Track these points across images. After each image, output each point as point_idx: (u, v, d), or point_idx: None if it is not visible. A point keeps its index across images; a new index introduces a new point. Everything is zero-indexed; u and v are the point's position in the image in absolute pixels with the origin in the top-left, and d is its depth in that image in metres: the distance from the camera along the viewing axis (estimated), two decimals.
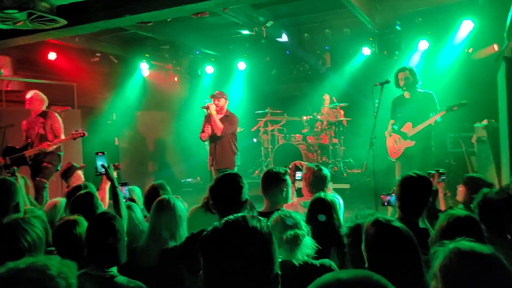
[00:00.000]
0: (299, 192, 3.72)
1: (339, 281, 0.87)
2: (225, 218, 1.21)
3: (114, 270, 2.16)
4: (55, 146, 5.71)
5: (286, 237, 2.33)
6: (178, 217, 2.67)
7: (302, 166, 3.78)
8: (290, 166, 3.84)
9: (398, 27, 7.43)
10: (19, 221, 1.84)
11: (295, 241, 2.34)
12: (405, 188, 2.73)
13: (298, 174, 3.71)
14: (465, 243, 1.44)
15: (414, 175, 2.77)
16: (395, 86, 5.26)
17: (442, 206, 3.17)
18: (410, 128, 5.17)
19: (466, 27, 7.22)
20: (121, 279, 2.12)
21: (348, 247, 2.32)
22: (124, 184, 3.50)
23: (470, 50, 7.67)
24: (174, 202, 2.73)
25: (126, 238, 2.31)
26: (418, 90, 5.26)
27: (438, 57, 7.86)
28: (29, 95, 5.87)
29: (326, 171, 3.61)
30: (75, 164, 4.69)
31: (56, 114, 5.95)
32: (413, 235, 1.86)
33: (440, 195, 3.24)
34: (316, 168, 3.56)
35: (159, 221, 2.65)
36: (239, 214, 1.23)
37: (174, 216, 2.65)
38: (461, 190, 3.32)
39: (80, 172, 4.62)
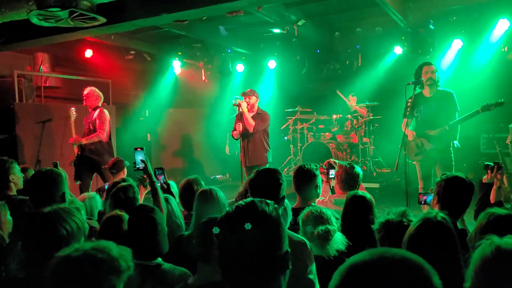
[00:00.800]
0: (333, 190, 3.75)
1: (366, 260, 0.85)
2: (236, 203, 1.32)
3: (159, 259, 2.23)
4: (82, 142, 5.84)
5: (318, 232, 2.38)
6: (222, 205, 2.76)
7: (335, 164, 3.81)
8: (324, 164, 3.87)
9: (431, 26, 7.32)
10: (58, 211, 1.89)
11: (326, 236, 2.38)
12: (448, 188, 2.70)
13: (332, 172, 3.74)
14: (508, 240, 1.45)
15: (459, 175, 2.76)
16: (415, 81, 4.92)
17: (492, 198, 3.13)
18: (431, 129, 4.99)
19: (501, 26, 7.05)
20: (167, 266, 2.19)
21: (378, 242, 2.35)
22: (160, 169, 3.57)
23: (506, 49, 7.48)
24: (217, 192, 2.81)
25: (166, 229, 2.39)
26: (438, 89, 5.05)
27: (473, 57, 7.70)
28: (86, 91, 6.08)
29: (358, 169, 3.62)
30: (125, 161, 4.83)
31: (104, 110, 6.04)
32: (454, 230, 1.87)
33: (493, 188, 3.17)
34: (348, 166, 3.58)
35: (204, 210, 2.73)
36: (249, 199, 1.34)
37: (218, 205, 2.74)
38: None
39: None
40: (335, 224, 2.49)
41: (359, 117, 8.52)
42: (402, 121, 5.16)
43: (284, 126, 9.38)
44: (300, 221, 2.54)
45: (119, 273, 1.45)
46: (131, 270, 1.51)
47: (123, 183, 3.19)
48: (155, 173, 3.42)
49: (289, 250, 1.30)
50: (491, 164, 3.29)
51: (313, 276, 2.13)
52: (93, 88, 6.17)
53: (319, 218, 2.46)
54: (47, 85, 8.43)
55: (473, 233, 2.09)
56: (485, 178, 3.30)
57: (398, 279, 0.80)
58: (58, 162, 4.08)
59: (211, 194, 2.79)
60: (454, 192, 2.68)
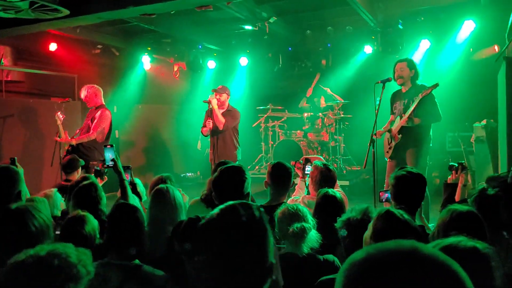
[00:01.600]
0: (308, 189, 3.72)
1: (373, 256, 0.72)
2: (220, 206, 1.24)
3: (137, 261, 2.17)
4: (72, 142, 5.72)
5: (293, 230, 2.35)
6: (179, 204, 2.69)
7: (310, 159, 3.79)
8: (301, 160, 3.84)
9: (400, 26, 7.45)
10: (27, 207, 1.86)
11: (301, 234, 2.35)
12: (398, 186, 2.75)
13: (308, 168, 3.71)
14: (454, 239, 1.45)
15: (406, 172, 2.78)
16: (382, 80, 4.93)
17: (457, 197, 3.17)
18: (398, 123, 5.04)
19: (467, 27, 7.23)
20: (146, 267, 2.13)
21: (341, 240, 2.34)
22: (126, 168, 3.49)
23: (471, 50, 7.69)
24: (173, 190, 2.74)
25: (146, 229, 2.32)
26: (416, 84, 5.08)
27: (440, 57, 7.88)
28: (82, 95, 5.95)
29: (334, 171, 3.60)
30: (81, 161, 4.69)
31: (106, 112, 5.93)
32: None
33: (459, 187, 3.22)
34: (323, 167, 3.55)
35: (160, 210, 2.66)
36: (234, 202, 1.25)
37: (174, 204, 2.67)
38: None
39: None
40: (311, 222, 2.46)
41: (329, 115, 8.58)
42: (389, 119, 5.26)
43: (256, 123, 9.35)
44: (276, 218, 2.50)
45: (77, 279, 1.37)
46: (92, 275, 1.43)
47: (85, 182, 3.08)
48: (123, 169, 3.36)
49: (273, 261, 1.23)
50: (455, 164, 3.35)
51: (276, 272, 2.10)
52: (87, 86, 6.00)
53: (295, 216, 2.44)
54: (9, 79, 8.10)
55: (435, 230, 2.11)
56: (450, 179, 3.36)
57: (423, 274, 0.69)
58: (16, 158, 3.91)
59: (167, 192, 2.71)
60: (405, 189, 2.72)
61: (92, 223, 2.42)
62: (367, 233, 1.81)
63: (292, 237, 2.38)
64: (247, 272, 1.16)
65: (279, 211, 2.52)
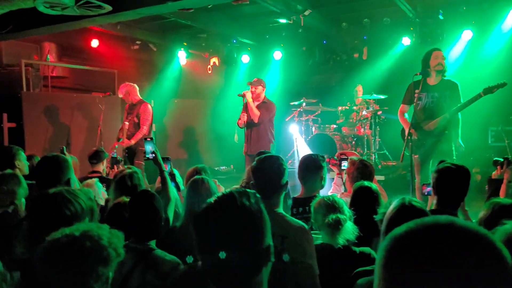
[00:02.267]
0: (345, 185, 3.72)
1: (411, 230, 0.74)
2: (216, 195, 1.29)
3: (152, 243, 2.27)
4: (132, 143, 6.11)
5: (328, 221, 2.36)
6: (214, 194, 2.75)
7: (346, 155, 3.77)
8: (336, 156, 3.84)
9: (440, 16, 7.22)
10: (63, 192, 1.91)
11: (336, 225, 2.36)
12: (441, 179, 2.67)
13: (344, 163, 3.70)
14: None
15: (450, 165, 2.71)
16: (422, 71, 4.78)
17: (501, 194, 3.08)
18: (431, 119, 4.83)
19: None
20: (159, 252, 2.21)
21: (382, 233, 2.32)
22: (166, 159, 3.58)
23: None
24: (208, 181, 2.80)
25: (164, 216, 2.40)
26: (444, 77, 4.87)
27: (483, 48, 7.58)
28: (120, 94, 6.33)
29: (371, 166, 3.58)
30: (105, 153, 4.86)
31: (148, 106, 6.28)
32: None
33: (504, 183, 3.11)
34: (360, 163, 3.53)
35: (196, 201, 2.73)
36: (229, 191, 1.29)
37: (209, 194, 2.73)
38: None
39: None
40: (347, 214, 2.47)
41: (364, 109, 8.45)
42: (400, 107, 5.04)
43: (289, 117, 9.33)
44: (312, 208, 2.53)
45: (108, 262, 1.44)
46: (122, 256, 1.50)
47: (128, 170, 3.21)
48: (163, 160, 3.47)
49: (271, 243, 1.27)
50: (501, 159, 3.24)
51: (312, 260, 2.12)
52: (121, 86, 6.36)
53: (331, 207, 2.44)
54: (54, 75, 8.46)
55: (477, 222, 2.07)
56: (494, 174, 3.25)
57: (457, 246, 0.70)
58: (64, 147, 4.10)
59: (202, 183, 2.77)
60: (448, 181, 2.64)
61: None
62: (383, 224, 1.82)
63: (328, 227, 2.39)
64: (240, 254, 1.19)
65: (315, 202, 2.53)
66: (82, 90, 8.67)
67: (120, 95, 6.40)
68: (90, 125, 7.71)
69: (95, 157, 4.71)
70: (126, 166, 3.89)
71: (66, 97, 7.87)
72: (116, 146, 6.19)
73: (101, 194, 3.78)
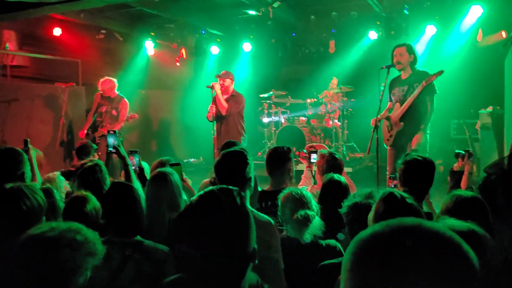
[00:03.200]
0: (315, 178, 3.72)
1: (378, 233, 0.73)
2: (200, 192, 1.24)
3: (138, 237, 2.19)
4: None
5: (297, 217, 2.35)
6: (176, 187, 2.70)
7: (315, 148, 3.78)
8: (305, 149, 3.84)
9: (406, 11, 7.35)
10: (21, 187, 1.87)
11: (305, 222, 2.36)
12: (407, 171, 2.70)
13: (314, 156, 3.71)
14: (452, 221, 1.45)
15: (417, 156, 2.74)
16: (387, 65, 4.86)
17: (463, 185, 3.16)
18: (398, 110, 4.91)
19: (474, 13, 7.13)
20: (149, 242, 2.15)
21: (347, 225, 2.34)
22: (135, 152, 3.48)
23: (479, 37, 7.57)
24: (172, 174, 2.75)
25: (143, 208, 2.34)
26: (416, 70, 4.94)
27: (446, 43, 7.80)
28: (100, 87, 6.48)
29: (340, 159, 3.59)
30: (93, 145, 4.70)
31: (127, 102, 6.53)
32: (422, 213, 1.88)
33: (465, 175, 3.19)
34: (329, 156, 3.55)
35: (159, 195, 2.67)
36: (214, 187, 1.25)
37: (173, 189, 2.68)
38: None
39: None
40: (314, 208, 2.46)
41: (333, 101, 8.54)
42: (387, 106, 5.12)
43: (260, 109, 9.33)
44: (279, 202, 2.51)
45: (95, 255, 1.41)
46: (101, 254, 1.45)
47: (89, 163, 3.10)
48: (129, 156, 3.36)
49: (256, 247, 1.23)
50: (462, 152, 3.32)
51: (277, 254, 2.12)
52: (106, 80, 6.49)
53: (299, 201, 2.43)
54: (13, 64, 8.10)
55: (439, 214, 2.11)
56: (456, 166, 3.33)
57: (424, 248, 0.69)
58: (29, 140, 3.93)
59: (166, 178, 2.71)
60: (414, 173, 2.68)
61: (94, 203, 2.45)
62: (371, 215, 1.82)
63: (296, 223, 2.39)
64: (227, 259, 1.16)
65: (282, 195, 2.52)
66: (44, 80, 8.34)
67: (100, 88, 6.51)
68: (52, 117, 7.45)
69: (84, 151, 4.52)
70: (88, 159, 3.77)
71: (26, 87, 7.55)
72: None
73: (63, 187, 3.66)
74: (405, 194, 1.85)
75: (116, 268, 2.01)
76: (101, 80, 6.54)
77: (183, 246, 1.24)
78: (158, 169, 2.88)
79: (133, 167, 3.40)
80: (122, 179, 3.57)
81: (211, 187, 1.27)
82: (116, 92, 6.55)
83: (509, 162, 2.45)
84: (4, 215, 1.77)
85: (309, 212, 2.39)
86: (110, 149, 3.27)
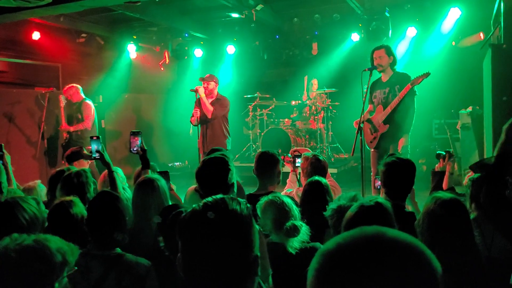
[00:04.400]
0: (300, 182, 3.74)
1: (339, 246, 0.71)
2: (204, 200, 1.20)
3: (118, 250, 2.15)
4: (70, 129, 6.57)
5: (286, 229, 2.33)
6: (163, 193, 2.67)
7: (299, 152, 3.80)
8: (290, 153, 3.85)
9: (387, 13, 7.45)
10: (17, 199, 1.85)
11: (293, 233, 2.34)
12: (388, 172, 2.75)
13: (298, 160, 3.73)
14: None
15: (395, 159, 2.79)
16: (370, 67, 4.83)
17: (444, 186, 3.21)
18: (381, 112, 4.92)
19: (453, 15, 7.28)
20: (130, 256, 2.11)
21: (332, 228, 2.35)
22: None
23: (454, 43, 7.73)
24: (158, 180, 2.71)
25: (127, 218, 2.30)
26: (396, 71, 4.97)
27: (426, 44, 7.93)
28: (68, 95, 6.62)
29: (324, 161, 3.62)
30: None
31: (89, 103, 6.61)
32: (391, 214, 1.90)
33: (446, 175, 3.25)
34: (313, 158, 3.57)
35: (147, 200, 2.63)
36: (219, 196, 1.21)
37: (160, 195, 2.65)
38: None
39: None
40: (297, 214, 2.44)
41: (317, 103, 8.59)
42: (367, 108, 5.11)
43: (244, 112, 9.33)
44: (258, 210, 2.46)
45: (58, 268, 1.37)
46: (71, 266, 1.42)
47: (73, 170, 3.05)
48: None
49: (258, 254, 1.20)
50: (443, 153, 3.38)
51: (264, 260, 2.11)
52: (68, 88, 6.60)
53: (281, 210, 2.40)
54: None
55: (420, 217, 2.14)
56: (437, 167, 3.38)
57: (389, 262, 0.67)
58: (3, 144, 3.84)
59: (153, 184, 2.67)
60: (394, 175, 2.72)
61: (80, 207, 2.40)
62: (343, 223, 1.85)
63: (284, 234, 2.37)
64: (229, 270, 1.13)
65: (260, 205, 2.47)
66: (23, 85, 8.19)
67: (67, 96, 6.64)
68: (32, 122, 7.31)
69: (73, 157, 4.43)
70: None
71: (4, 93, 7.41)
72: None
73: (43, 196, 3.59)
74: (376, 201, 1.89)
75: (96, 282, 1.97)
76: (66, 87, 6.71)
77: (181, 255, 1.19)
78: (145, 175, 2.84)
79: (136, 148, 3.33)
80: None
81: (218, 196, 1.24)
82: (82, 96, 6.63)
83: (495, 163, 2.51)
84: (3, 230, 1.71)
85: (297, 223, 2.37)
86: (94, 155, 3.21)
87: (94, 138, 3.25)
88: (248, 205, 1.22)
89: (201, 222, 1.15)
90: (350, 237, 0.72)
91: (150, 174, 3.03)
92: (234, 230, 1.15)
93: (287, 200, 2.43)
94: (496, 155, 2.58)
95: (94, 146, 3.21)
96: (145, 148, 3.42)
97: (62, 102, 6.65)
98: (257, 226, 1.23)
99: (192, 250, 1.16)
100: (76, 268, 1.47)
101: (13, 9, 4.75)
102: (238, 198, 1.23)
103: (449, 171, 3.27)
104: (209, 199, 1.21)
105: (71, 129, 6.50)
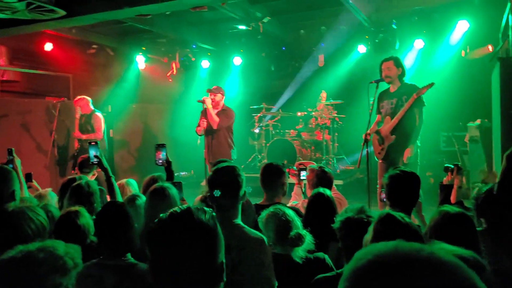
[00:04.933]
0: (305, 194, 3.76)
1: (378, 261, 0.65)
2: (171, 210, 1.27)
3: (129, 256, 2.16)
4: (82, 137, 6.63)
5: (291, 238, 2.35)
6: (174, 202, 2.70)
7: (304, 165, 3.82)
8: (295, 166, 3.88)
9: (394, 26, 7.49)
10: (24, 209, 1.85)
11: (297, 242, 2.36)
12: (392, 185, 2.74)
13: (303, 173, 3.75)
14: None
15: (399, 172, 2.78)
16: (377, 79, 4.90)
17: (452, 199, 3.19)
18: (389, 123, 4.90)
19: (461, 27, 7.28)
20: (142, 265, 2.11)
21: (340, 240, 2.36)
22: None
23: (463, 54, 7.72)
24: (170, 189, 2.75)
25: (136, 225, 2.33)
26: (404, 82, 4.97)
27: (433, 57, 7.92)
28: (77, 104, 6.77)
29: (329, 173, 3.64)
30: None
31: (98, 115, 6.73)
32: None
33: (454, 189, 3.23)
34: (319, 170, 3.59)
35: (157, 209, 2.66)
36: (185, 206, 1.28)
37: (173, 204, 2.67)
38: None
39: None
40: (299, 225, 2.46)
41: (323, 114, 8.61)
42: (375, 119, 5.12)
43: (250, 123, 9.38)
44: (260, 223, 2.47)
45: (64, 271, 1.39)
46: (80, 267, 1.45)
47: (78, 181, 3.09)
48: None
49: (224, 260, 1.25)
50: (451, 166, 3.37)
51: (269, 272, 2.12)
52: (78, 100, 6.73)
53: (283, 221, 2.40)
54: (4, 78, 8.09)
55: (426, 230, 2.14)
56: (445, 180, 3.37)
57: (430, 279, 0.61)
58: (13, 148, 3.88)
59: (164, 192, 2.70)
60: (398, 187, 2.71)
61: (86, 217, 2.44)
62: (367, 237, 1.83)
63: (288, 244, 2.38)
64: (195, 277, 1.18)
65: (262, 219, 2.49)
66: (35, 94, 8.33)
67: (77, 107, 6.78)
68: (43, 132, 7.41)
69: (86, 165, 4.49)
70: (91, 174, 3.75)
71: (17, 102, 7.53)
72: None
73: (55, 204, 3.64)
74: (401, 214, 1.88)
75: None
76: (76, 98, 6.84)
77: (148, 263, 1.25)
78: (157, 184, 2.88)
79: (161, 161, 3.37)
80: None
81: (185, 206, 1.30)
82: (91, 108, 6.73)
83: (498, 189, 2.50)
84: (10, 239, 1.71)
85: (301, 232, 2.39)
86: (92, 160, 3.26)
87: (92, 143, 3.31)
88: (214, 213, 1.28)
89: (167, 231, 1.21)
90: (396, 254, 0.65)
91: (161, 183, 3.07)
92: (199, 238, 1.20)
93: (289, 212, 2.45)
94: (499, 181, 2.57)
95: (91, 152, 3.26)
96: (170, 160, 3.46)
97: (78, 112, 6.78)
98: (222, 238, 1.27)
99: (158, 257, 1.21)
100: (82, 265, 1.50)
101: (28, 21, 4.86)
102: (204, 208, 1.28)
103: (457, 185, 3.26)
104: (176, 209, 1.27)
105: (84, 137, 6.58)
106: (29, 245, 1.42)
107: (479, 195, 2.60)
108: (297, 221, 2.44)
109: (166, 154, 3.43)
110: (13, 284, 1.34)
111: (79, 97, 6.78)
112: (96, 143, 3.33)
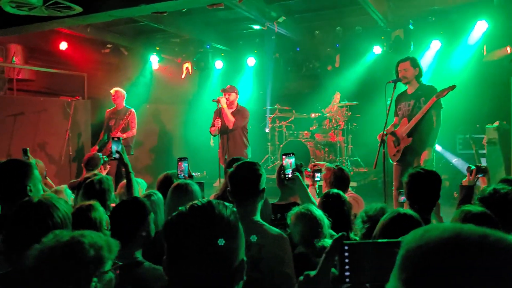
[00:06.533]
0: (320, 194, 3.71)
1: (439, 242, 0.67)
2: (191, 203, 1.20)
3: (139, 254, 2.14)
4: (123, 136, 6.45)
5: (317, 248, 2.28)
6: (196, 198, 2.68)
7: (319, 167, 3.77)
8: (309, 167, 3.84)
9: (411, 26, 7.39)
10: (50, 199, 1.87)
11: (321, 254, 2.30)
12: (413, 184, 2.68)
13: (318, 175, 3.71)
14: None
15: (421, 170, 2.73)
16: (394, 79, 4.82)
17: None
18: (406, 125, 4.81)
19: (480, 28, 7.15)
20: (147, 264, 2.10)
21: (360, 240, 2.30)
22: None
23: (485, 52, 7.57)
24: (192, 186, 2.74)
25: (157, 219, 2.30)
26: (422, 83, 4.89)
27: (451, 58, 7.79)
28: (113, 93, 6.76)
29: (347, 171, 3.59)
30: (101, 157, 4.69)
31: (134, 112, 6.71)
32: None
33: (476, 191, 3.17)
34: (336, 169, 3.54)
35: (179, 205, 2.63)
36: (205, 200, 1.22)
37: (193, 199, 2.65)
38: None
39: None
40: (328, 232, 2.39)
41: (337, 116, 8.53)
42: (393, 121, 5.05)
43: (263, 124, 9.33)
44: (288, 219, 2.43)
45: (91, 263, 1.37)
46: (110, 261, 1.43)
47: (92, 177, 3.09)
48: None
49: (245, 258, 1.19)
50: (473, 166, 3.32)
51: (289, 269, 2.07)
52: (117, 90, 6.75)
53: (312, 226, 2.33)
54: (19, 77, 8.16)
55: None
56: (465, 181, 3.31)
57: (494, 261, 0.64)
58: (28, 148, 3.89)
59: (187, 188, 2.69)
60: (418, 186, 2.65)
61: (100, 211, 2.41)
62: (376, 230, 1.79)
63: (313, 254, 2.33)
64: (214, 274, 1.12)
65: (291, 215, 2.44)
66: (50, 93, 8.40)
67: (113, 94, 6.73)
68: (57, 130, 7.46)
69: (90, 163, 4.52)
70: (93, 172, 3.76)
71: (32, 101, 7.59)
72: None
73: (70, 200, 3.64)
74: (411, 211, 1.84)
75: None
76: (113, 91, 6.76)
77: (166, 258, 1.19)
78: (179, 181, 2.87)
79: (183, 175, 3.35)
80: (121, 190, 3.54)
81: (204, 200, 1.24)
82: (123, 104, 6.72)
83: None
84: (39, 228, 1.73)
85: (326, 243, 2.32)
86: (114, 155, 3.24)
87: (115, 139, 3.30)
88: (235, 209, 1.21)
89: (187, 224, 1.14)
90: (455, 234, 0.69)
91: (183, 180, 3.06)
92: (220, 233, 1.13)
93: (320, 214, 2.37)
94: None
95: (114, 147, 3.24)
96: (192, 174, 3.48)
97: (107, 110, 6.84)
98: (242, 234, 1.21)
99: (176, 251, 1.14)
100: (120, 263, 1.47)
101: (44, 18, 4.88)
102: (225, 203, 1.21)
103: (484, 185, 3.19)
104: (197, 202, 1.20)
105: (124, 136, 6.44)
106: (67, 232, 1.42)
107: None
108: (326, 227, 2.37)
109: (188, 167, 3.44)
110: (57, 277, 1.31)
111: (115, 89, 6.78)
112: (119, 138, 3.32)
